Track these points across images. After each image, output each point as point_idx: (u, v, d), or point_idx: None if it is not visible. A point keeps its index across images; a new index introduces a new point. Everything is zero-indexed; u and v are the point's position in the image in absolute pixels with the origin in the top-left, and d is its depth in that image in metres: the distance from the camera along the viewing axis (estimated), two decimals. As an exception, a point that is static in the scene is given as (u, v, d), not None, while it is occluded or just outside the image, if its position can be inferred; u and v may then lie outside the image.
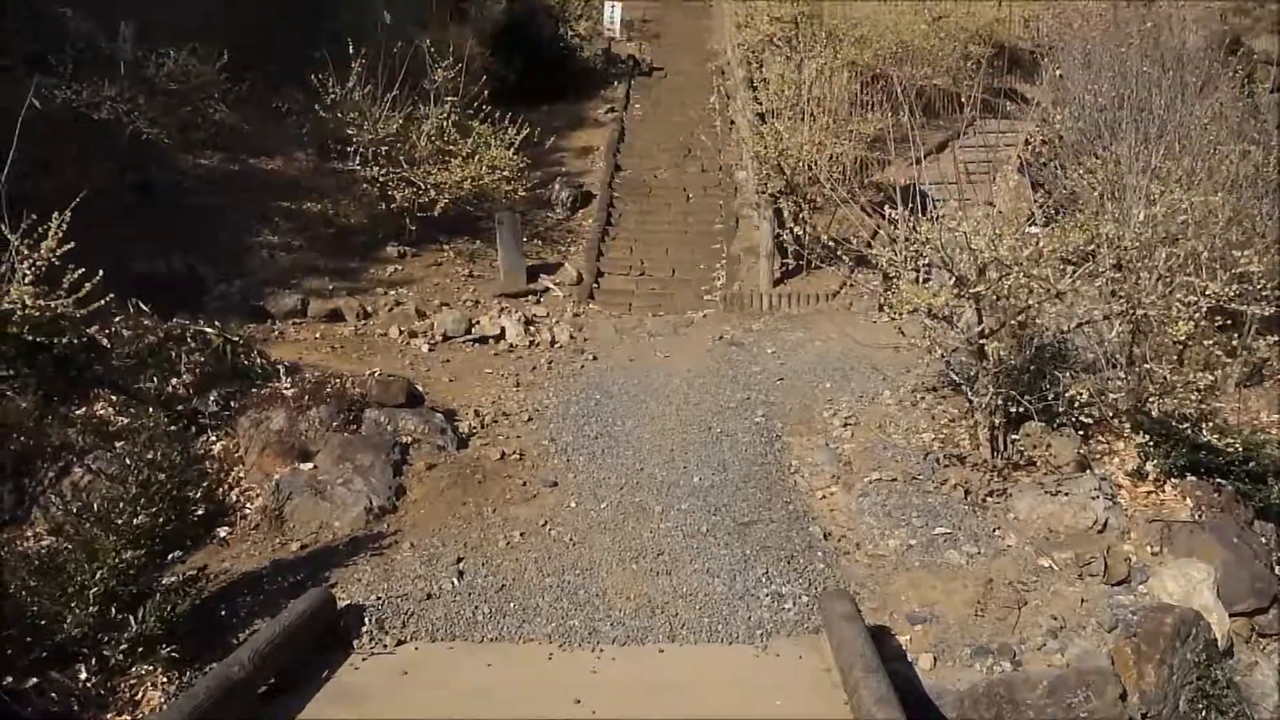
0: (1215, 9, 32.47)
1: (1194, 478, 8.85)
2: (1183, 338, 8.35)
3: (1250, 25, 32.03)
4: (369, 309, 13.59)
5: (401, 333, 13.14)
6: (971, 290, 8.04)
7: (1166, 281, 8.23)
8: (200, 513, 8.02)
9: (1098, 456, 9.28)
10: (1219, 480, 8.80)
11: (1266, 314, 8.68)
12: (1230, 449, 8.58)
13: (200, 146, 15.50)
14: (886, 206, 8.71)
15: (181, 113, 14.16)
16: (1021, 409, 8.99)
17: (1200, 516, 8.48)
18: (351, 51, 14.53)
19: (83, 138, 13.38)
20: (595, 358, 12.98)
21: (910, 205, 8.93)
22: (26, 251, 8.25)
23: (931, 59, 21.76)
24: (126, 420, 9.02)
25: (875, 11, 21.83)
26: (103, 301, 8.48)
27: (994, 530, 8.47)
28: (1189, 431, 8.82)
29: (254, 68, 16.63)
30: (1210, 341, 8.54)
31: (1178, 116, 10.69)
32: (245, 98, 15.73)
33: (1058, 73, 13.67)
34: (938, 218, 8.48)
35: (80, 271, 8.40)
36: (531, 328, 13.73)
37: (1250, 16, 33.53)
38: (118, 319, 10.07)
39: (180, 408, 9.57)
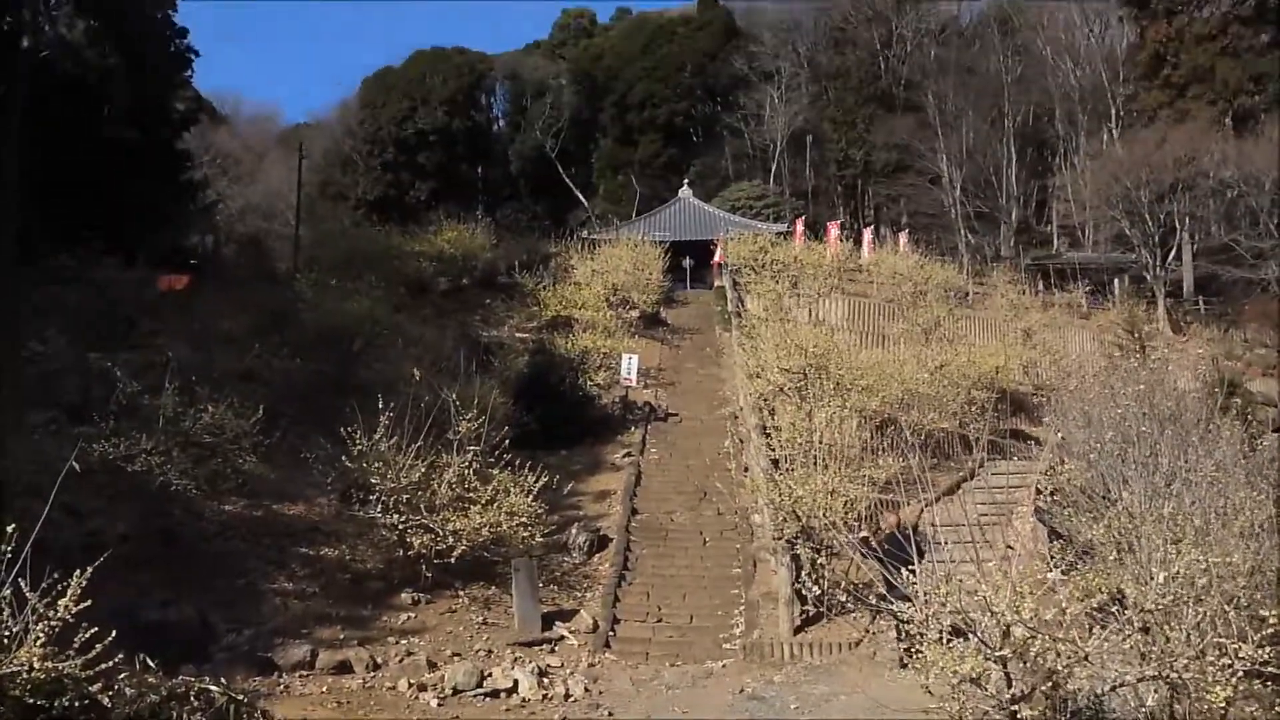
0: (1207, 354, 34.05)
1: None
2: (1223, 703, 7.98)
3: (1243, 369, 33.45)
4: (379, 659, 13.27)
5: (411, 685, 12.74)
6: (996, 654, 7.85)
7: (1196, 642, 8.02)
8: None
9: (1156, 837, 8.57)
10: None
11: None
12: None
13: (227, 494, 15.89)
14: (904, 569, 8.70)
15: (212, 464, 14.66)
16: (1065, 784, 8.43)
17: None
18: (380, 405, 15.21)
19: (113, 488, 13.82)
20: (610, 714, 12.44)
21: (923, 555, 8.92)
22: (42, 610, 8.22)
23: (937, 404, 22.64)
24: (115, 793, 8.56)
25: (879, 362, 23.03)
26: (111, 664, 8.33)
27: None
28: (1249, 806, 8.20)
29: (287, 416, 17.44)
30: (1253, 708, 8.15)
31: (1184, 470, 10.91)
32: (275, 445, 16.35)
33: (1059, 435, 14.15)
34: (955, 575, 8.44)
35: (93, 631, 8.32)
36: (545, 679, 13.29)
37: (1242, 360, 35.12)
38: (122, 675, 9.83)
39: (174, 777, 9.09)
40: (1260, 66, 44.98)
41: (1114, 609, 8.35)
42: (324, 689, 12.33)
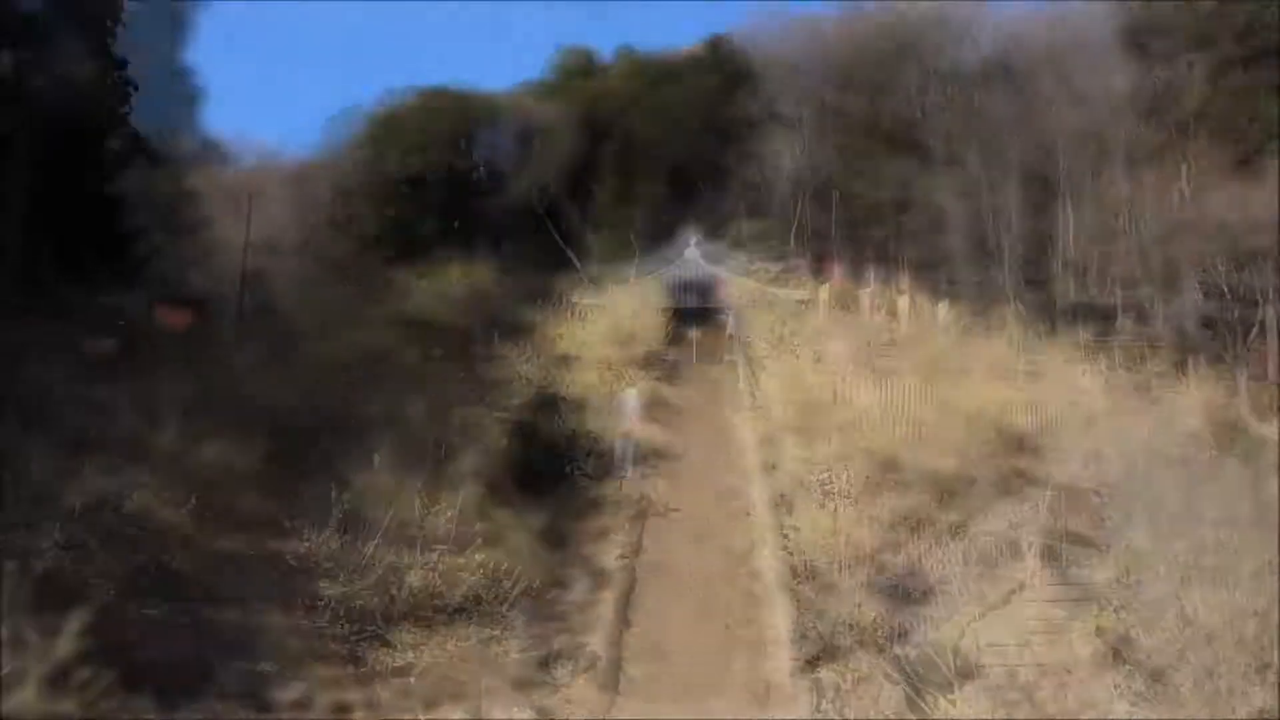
0: (1211, 394, 33.90)
1: None
2: (1236, 749, 7.84)
3: (1247, 410, 33.24)
4: (377, 698, 13.11)
5: (408, 726, 12.59)
6: (1003, 696, 7.74)
7: (1206, 686, 7.90)
8: None
9: None
10: None
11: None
12: None
13: (225, 529, 15.77)
14: (908, 609, 8.62)
15: (215, 499, 14.58)
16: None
17: None
18: (381, 441, 15.17)
19: (112, 522, 13.73)
20: (611, 754, 12.27)
21: (927, 595, 8.84)
22: (40, 647, 8.15)
23: (940, 442, 22.49)
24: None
25: (883, 399, 22.91)
26: (108, 702, 8.25)
27: None
28: None
29: (287, 451, 17.35)
30: (1266, 752, 8.01)
31: (1190, 509, 10.81)
32: (275, 480, 16.25)
33: (1064, 474, 14.07)
34: (959, 616, 8.36)
35: (90, 669, 8.25)
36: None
37: (1246, 401, 34.93)
38: (119, 713, 9.72)
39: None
40: (1261, 109, 45.24)
41: (1122, 649, 8.25)
42: (320, 729, 12.16)
